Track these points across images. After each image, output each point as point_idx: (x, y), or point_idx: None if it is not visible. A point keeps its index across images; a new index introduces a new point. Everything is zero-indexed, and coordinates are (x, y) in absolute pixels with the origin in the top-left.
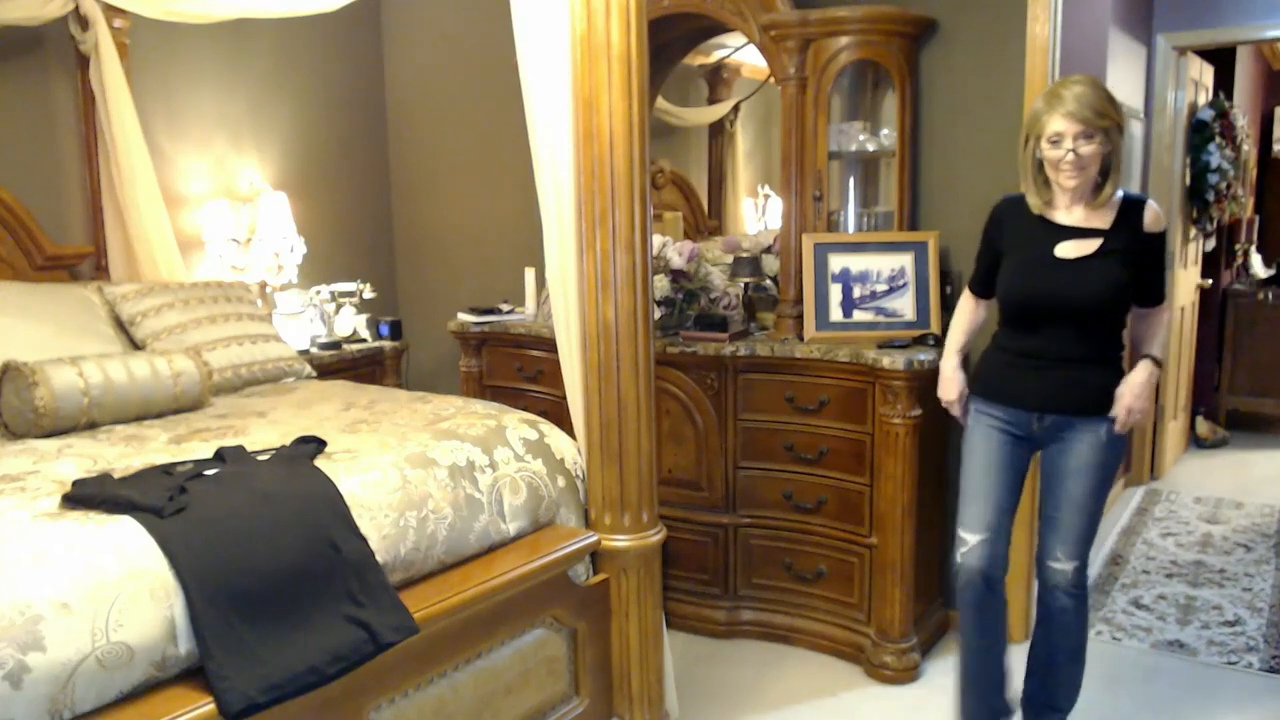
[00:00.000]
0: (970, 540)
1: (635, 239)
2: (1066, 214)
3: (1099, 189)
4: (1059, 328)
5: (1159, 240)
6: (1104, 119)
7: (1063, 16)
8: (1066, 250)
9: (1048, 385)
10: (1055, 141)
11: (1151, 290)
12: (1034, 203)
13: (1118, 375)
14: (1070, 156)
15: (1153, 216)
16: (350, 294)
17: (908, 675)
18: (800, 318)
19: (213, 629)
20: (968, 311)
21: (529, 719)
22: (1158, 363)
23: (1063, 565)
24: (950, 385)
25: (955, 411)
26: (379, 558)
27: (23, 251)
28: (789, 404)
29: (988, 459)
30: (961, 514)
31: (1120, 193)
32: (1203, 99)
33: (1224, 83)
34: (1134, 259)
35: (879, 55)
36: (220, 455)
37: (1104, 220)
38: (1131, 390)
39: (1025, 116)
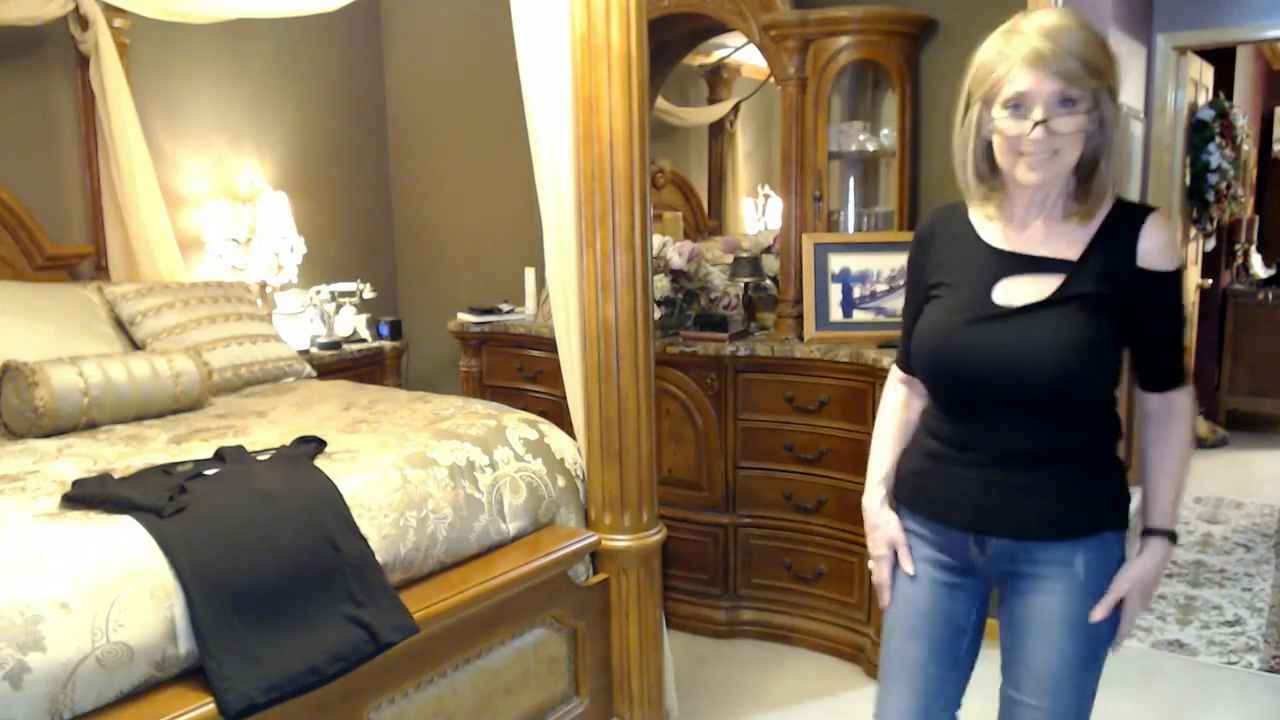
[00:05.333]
0: None
1: (635, 239)
2: (1019, 231)
3: (1079, 194)
4: (999, 411)
5: (1168, 283)
6: (1095, 76)
7: None
8: (1009, 292)
9: (986, 493)
10: (1016, 106)
11: (1158, 361)
12: (975, 211)
13: (1106, 472)
14: (1038, 132)
15: (1157, 241)
16: (350, 294)
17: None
18: (800, 318)
19: (213, 629)
20: (897, 406)
21: (529, 719)
22: (1173, 537)
23: None
24: (880, 532)
25: (883, 576)
26: (379, 558)
27: (23, 251)
28: (789, 404)
29: (910, 609)
30: (878, 702)
31: (1111, 200)
32: (1203, 99)
33: (1224, 83)
34: (1118, 309)
35: (879, 55)
36: (220, 455)
37: (1074, 245)
38: (1136, 586)
39: (969, 70)
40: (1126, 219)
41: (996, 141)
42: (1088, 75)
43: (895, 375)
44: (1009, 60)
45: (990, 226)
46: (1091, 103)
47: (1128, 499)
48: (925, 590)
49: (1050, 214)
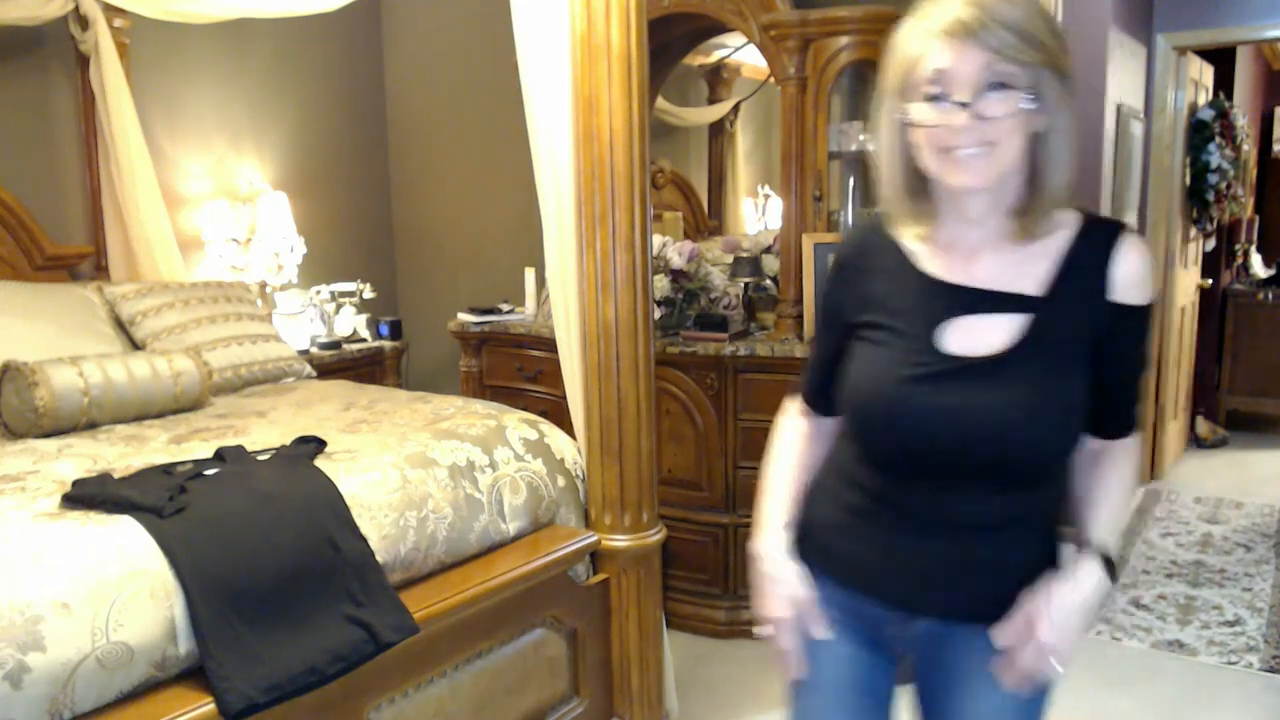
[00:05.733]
0: None
1: (635, 239)
2: (965, 259)
3: (1026, 207)
4: (947, 476)
5: (1142, 320)
6: (1034, 49)
7: (1063, 16)
8: (962, 338)
9: (919, 564)
10: (934, 84)
11: (1117, 409)
12: (904, 231)
13: (1055, 540)
14: (963, 118)
15: (1134, 269)
16: (350, 294)
17: (908, 675)
18: (800, 317)
19: (213, 629)
20: (798, 442)
21: (529, 719)
22: (1111, 565)
23: None
24: (782, 588)
25: (788, 642)
26: (379, 557)
27: (23, 251)
28: None
29: (828, 684)
30: None
31: (1074, 218)
32: (1203, 99)
33: (1224, 83)
34: (1088, 350)
35: (879, 55)
36: (220, 455)
37: (1035, 275)
38: (1058, 615)
39: (887, 56)
40: (1095, 240)
41: (920, 141)
42: (1024, 48)
43: (794, 406)
44: (926, 35)
45: (926, 252)
46: (1030, 82)
47: None
48: (845, 658)
49: (999, 234)
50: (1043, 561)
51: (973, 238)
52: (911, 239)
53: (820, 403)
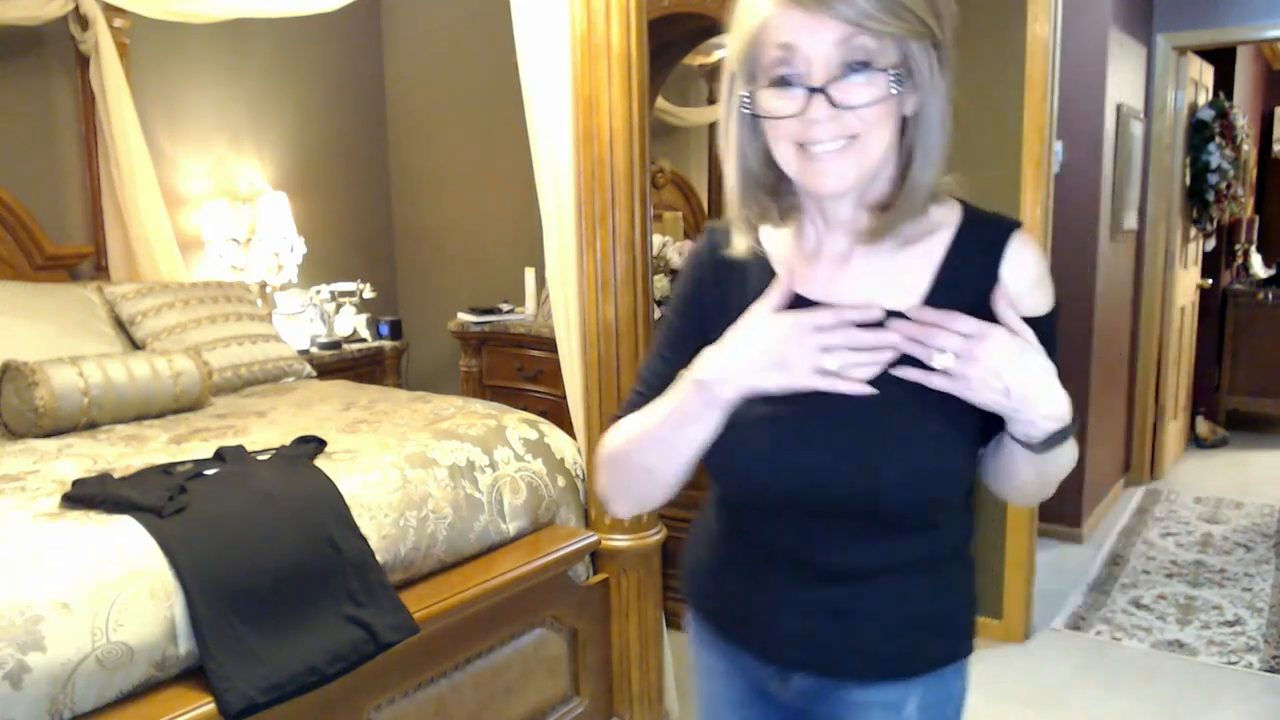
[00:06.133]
0: None
1: (635, 239)
2: (832, 270)
3: (895, 203)
4: (822, 521)
5: (1046, 330)
6: (900, 16)
7: (1063, 16)
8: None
9: (792, 616)
10: (783, 64)
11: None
12: (743, 242)
13: (956, 585)
14: (818, 108)
15: (1027, 272)
16: (350, 294)
17: None
18: None
19: (213, 629)
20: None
21: (529, 719)
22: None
23: None
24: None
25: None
26: (379, 557)
27: (23, 251)
28: None
29: None
30: None
31: (956, 215)
32: (1203, 99)
33: (1224, 83)
34: None
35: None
36: (220, 455)
37: (912, 285)
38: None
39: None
40: (979, 241)
41: (772, 132)
42: (887, 18)
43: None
44: (769, 3)
45: (787, 263)
46: (897, 59)
47: (975, 614)
48: (738, 713)
49: (862, 237)
50: (939, 608)
51: (838, 243)
52: (771, 245)
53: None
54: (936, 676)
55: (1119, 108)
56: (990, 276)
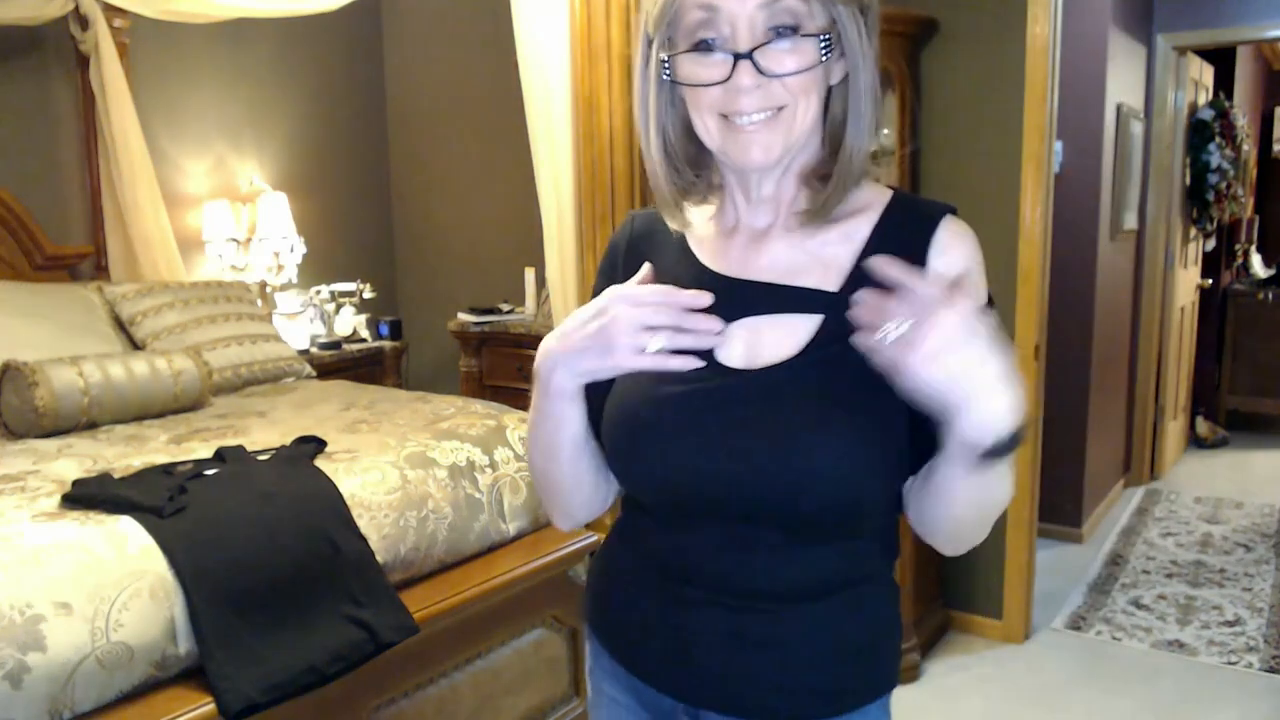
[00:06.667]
0: None
1: None
2: (749, 247)
3: (822, 177)
4: (726, 526)
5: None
6: None
7: (1063, 16)
8: (744, 345)
9: (704, 646)
10: (704, 28)
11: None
12: (674, 221)
13: (881, 613)
14: (743, 75)
15: (957, 258)
16: (350, 294)
17: (908, 676)
18: None
19: (213, 629)
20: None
21: (529, 719)
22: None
23: None
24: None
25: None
26: (379, 557)
27: (23, 251)
28: None
29: None
30: None
31: (883, 197)
32: (1203, 99)
33: (1224, 83)
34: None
35: (879, 55)
36: (220, 455)
37: (830, 262)
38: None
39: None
40: (908, 223)
41: (690, 103)
42: None
43: None
44: None
45: (709, 239)
46: (825, 23)
47: (900, 643)
48: None
49: (790, 216)
50: (863, 638)
51: (760, 219)
52: (693, 221)
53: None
54: (861, 714)
55: (1119, 108)
56: (919, 260)
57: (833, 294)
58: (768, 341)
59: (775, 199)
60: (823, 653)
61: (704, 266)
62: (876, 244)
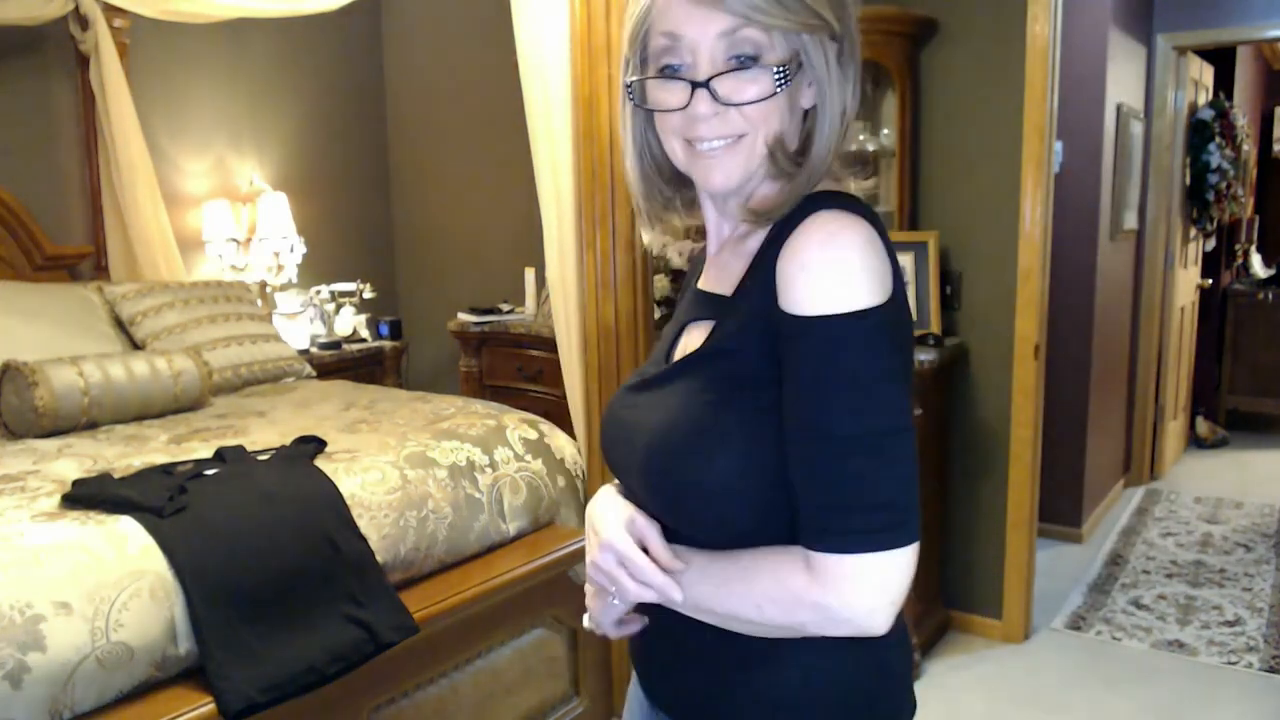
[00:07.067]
0: None
1: (635, 239)
2: (715, 255)
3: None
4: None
5: (804, 338)
6: (792, 11)
7: (1063, 16)
8: (681, 347)
9: (646, 644)
10: (669, 54)
11: (797, 484)
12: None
13: (775, 656)
14: (702, 103)
15: (797, 257)
16: (350, 294)
17: None
18: None
19: (213, 629)
20: None
21: (529, 719)
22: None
23: None
24: (613, 519)
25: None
26: (379, 557)
27: (23, 251)
28: None
29: None
30: None
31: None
32: (1203, 99)
33: (1224, 83)
34: (757, 381)
35: (879, 55)
36: (220, 455)
37: (735, 267)
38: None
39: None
40: (787, 225)
41: (659, 126)
42: (775, 9)
43: None
44: None
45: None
46: (786, 55)
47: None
48: None
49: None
50: (739, 676)
51: (725, 233)
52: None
53: None
54: None
55: (1119, 108)
56: (773, 265)
57: (723, 299)
58: (685, 345)
59: (741, 215)
60: (695, 650)
61: (694, 276)
62: (763, 249)
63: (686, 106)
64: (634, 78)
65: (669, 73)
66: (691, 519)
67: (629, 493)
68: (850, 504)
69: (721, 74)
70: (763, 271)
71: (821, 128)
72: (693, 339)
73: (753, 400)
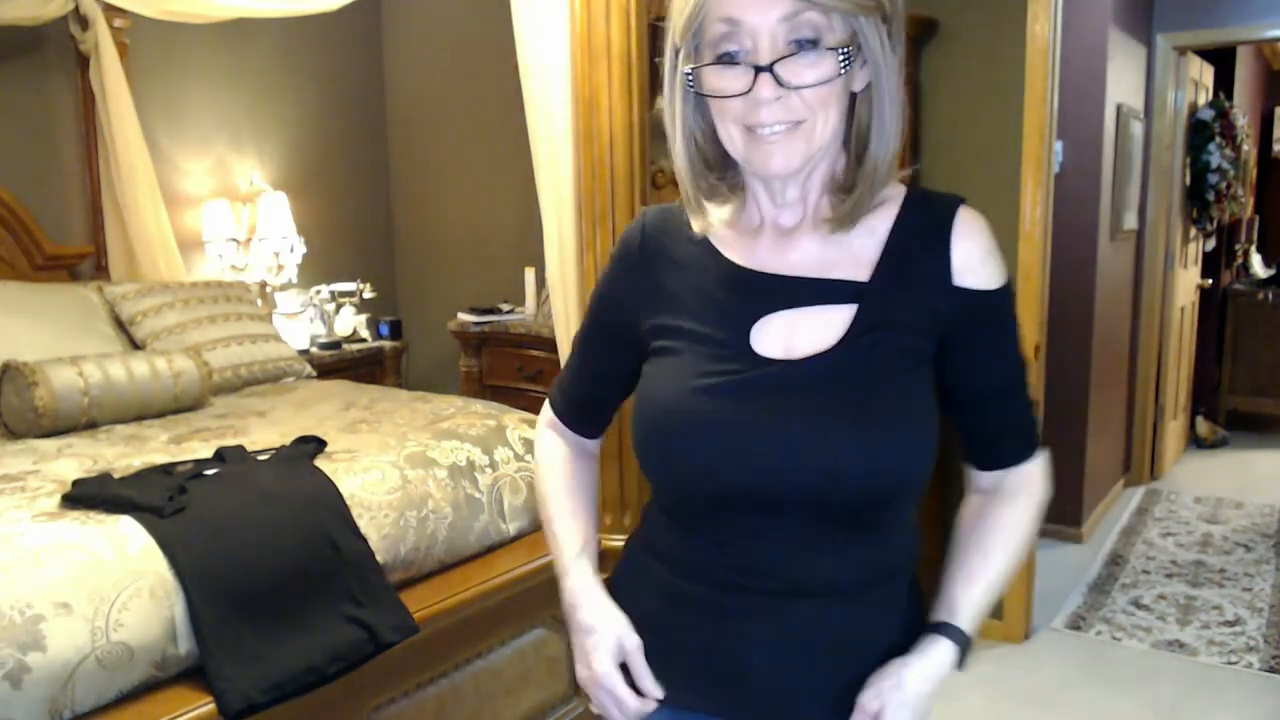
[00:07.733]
0: None
1: None
2: (777, 243)
3: (849, 182)
4: (761, 517)
5: (999, 306)
6: None
7: (1063, 16)
8: (778, 336)
9: (760, 660)
10: (727, 40)
11: (1000, 429)
12: (699, 222)
13: (912, 611)
14: (764, 88)
15: (975, 245)
16: (350, 294)
17: None
18: None
19: (213, 629)
20: (559, 463)
21: (529, 719)
22: (965, 645)
23: None
24: (599, 637)
25: (623, 708)
26: (379, 557)
27: (23, 251)
28: None
29: None
30: None
31: (898, 191)
32: (1203, 99)
33: (1224, 83)
34: (933, 351)
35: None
36: (220, 455)
37: (858, 253)
38: (900, 707)
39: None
40: (925, 215)
41: (717, 111)
42: None
43: (545, 416)
44: None
45: (732, 237)
46: (846, 36)
47: None
48: None
49: (817, 215)
50: (905, 640)
51: (786, 219)
52: (714, 222)
53: (577, 420)
54: None
55: (1119, 108)
56: (938, 251)
57: (861, 284)
58: (804, 333)
59: (801, 201)
60: (870, 651)
61: (732, 262)
62: (898, 236)
63: (749, 91)
64: (691, 66)
65: (727, 59)
66: (887, 500)
67: (759, 513)
68: (1035, 414)
69: (784, 58)
70: (917, 253)
71: (881, 109)
72: (816, 321)
73: (928, 368)
